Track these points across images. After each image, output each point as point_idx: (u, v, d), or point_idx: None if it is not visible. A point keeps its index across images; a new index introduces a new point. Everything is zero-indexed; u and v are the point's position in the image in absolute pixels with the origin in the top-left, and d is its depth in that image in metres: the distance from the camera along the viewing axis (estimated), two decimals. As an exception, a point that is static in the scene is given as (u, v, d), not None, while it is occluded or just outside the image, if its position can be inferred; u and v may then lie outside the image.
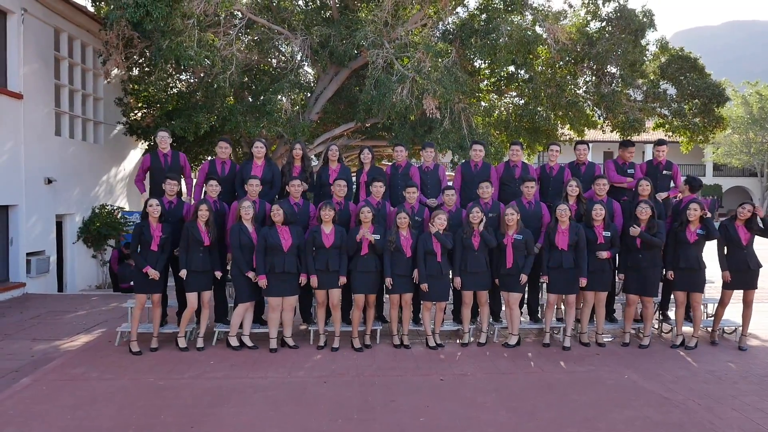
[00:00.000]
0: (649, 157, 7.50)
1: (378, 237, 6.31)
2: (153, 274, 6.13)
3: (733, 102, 32.33)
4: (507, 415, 4.62)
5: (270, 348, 6.38)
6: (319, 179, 7.26)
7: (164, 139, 7.19)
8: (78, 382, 5.37)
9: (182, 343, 6.42)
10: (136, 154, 14.43)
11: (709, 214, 6.64)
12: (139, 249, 6.34)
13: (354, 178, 7.79)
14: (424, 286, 6.35)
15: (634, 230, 6.41)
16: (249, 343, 6.48)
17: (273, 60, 13.23)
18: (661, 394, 5.08)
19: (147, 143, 13.16)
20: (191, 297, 6.31)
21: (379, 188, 6.81)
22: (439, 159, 11.51)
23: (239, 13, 11.23)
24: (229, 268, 6.74)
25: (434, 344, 6.54)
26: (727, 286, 6.73)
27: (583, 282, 6.45)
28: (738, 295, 6.79)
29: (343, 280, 6.35)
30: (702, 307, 6.98)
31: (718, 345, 6.79)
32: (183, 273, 6.23)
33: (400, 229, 6.35)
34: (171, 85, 12.75)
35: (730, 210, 7.02)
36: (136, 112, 12.80)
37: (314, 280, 6.29)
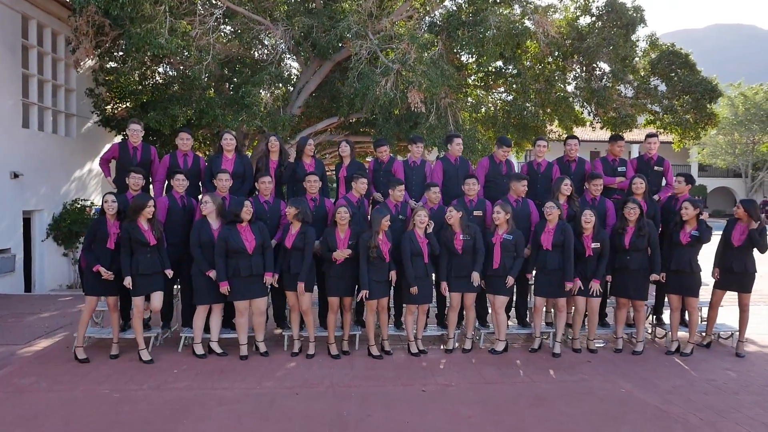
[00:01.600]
0: (636, 156, 7.20)
1: (350, 252, 5.86)
2: (106, 274, 5.63)
3: (719, 103, 32.34)
4: (492, 430, 4.22)
5: (240, 355, 5.94)
6: (293, 174, 6.82)
7: (136, 133, 6.73)
8: (24, 394, 4.89)
9: (145, 355, 5.83)
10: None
11: (705, 215, 6.29)
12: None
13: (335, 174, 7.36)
14: (414, 290, 5.94)
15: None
16: (218, 350, 6.03)
17: (254, 52, 12.77)
18: (659, 407, 4.71)
19: (122, 136, 12.64)
20: (137, 301, 5.72)
21: (360, 185, 6.40)
22: (425, 156, 11.15)
23: (218, 2, 10.76)
24: None
25: (416, 350, 6.14)
26: (719, 286, 6.40)
27: (568, 286, 6.07)
28: (733, 299, 6.47)
29: (300, 286, 5.85)
30: (698, 311, 6.65)
31: (715, 351, 6.45)
32: (128, 281, 5.63)
33: (379, 233, 5.90)
34: (147, 75, 12.23)
35: (715, 210, 6.70)
36: (108, 103, 12.24)
37: (269, 278, 5.89)
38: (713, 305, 6.48)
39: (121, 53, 10.86)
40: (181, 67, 11.28)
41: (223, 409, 4.60)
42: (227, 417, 4.44)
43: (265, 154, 6.91)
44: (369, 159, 16.48)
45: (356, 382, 5.28)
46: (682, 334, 6.55)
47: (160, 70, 12.66)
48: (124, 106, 12.33)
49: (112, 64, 11.60)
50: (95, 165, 13.42)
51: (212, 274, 5.79)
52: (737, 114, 34.49)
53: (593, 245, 6.07)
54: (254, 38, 11.95)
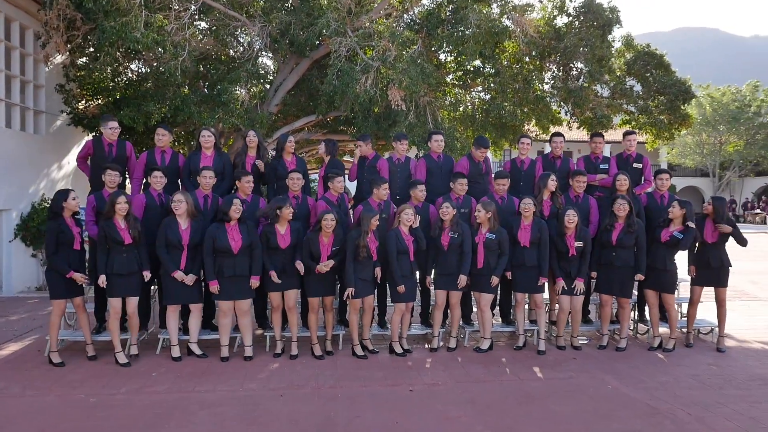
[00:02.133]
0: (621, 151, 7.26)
1: (333, 263, 5.75)
2: (78, 278, 5.45)
3: (690, 104, 33.06)
4: (484, 430, 4.16)
5: (221, 356, 5.78)
6: (274, 172, 6.67)
7: (114, 130, 6.51)
8: (-5, 400, 4.67)
9: (122, 358, 5.63)
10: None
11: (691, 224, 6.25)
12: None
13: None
14: (401, 288, 5.85)
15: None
16: (197, 351, 5.86)
17: (230, 49, 12.54)
18: (648, 403, 4.71)
19: (93, 134, 12.26)
20: (114, 303, 5.54)
21: (337, 183, 6.31)
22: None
23: (193, -3, 10.52)
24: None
25: (401, 350, 6.05)
26: (697, 283, 6.46)
27: (542, 281, 6.05)
28: (709, 295, 6.56)
29: (275, 276, 5.74)
30: (677, 307, 6.71)
31: (697, 347, 6.51)
32: (101, 280, 5.46)
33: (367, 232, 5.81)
34: (120, 72, 11.90)
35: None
36: (79, 100, 11.87)
37: (275, 276, 5.71)
38: (693, 302, 6.53)
39: (92, 49, 10.56)
40: (155, 64, 10.99)
41: (206, 412, 4.45)
42: (211, 421, 4.29)
43: (243, 150, 6.75)
44: (347, 158, 16.39)
45: (342, 382, 5.17)
46: (664, 330, 6.60)
47: (133, 66, 12.35)
48: (96, 102, 11.98)
49: (84, 60, 11.27)
50: (65, 163, 13.00)
51: (177, 275, 5.61)
52: (705, 115, 35.32)
53: (576, 244, 6.07)
54: (230, 35, 11.73)
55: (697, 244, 6.40)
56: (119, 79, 11.87)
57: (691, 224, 6.12)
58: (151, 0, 9.30)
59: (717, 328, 6.55)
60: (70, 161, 13.32)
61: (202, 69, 11.96)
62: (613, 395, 4.92)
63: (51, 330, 5.63)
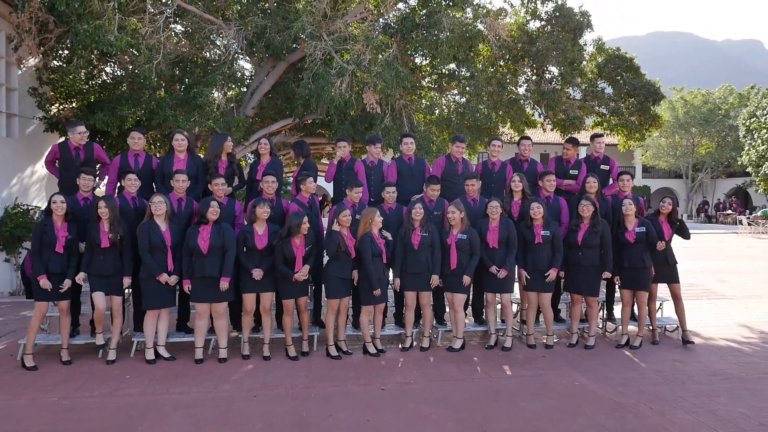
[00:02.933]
0: (584, 156, 7.51)
1: (305, 276, 5.84)
2: (44, 284, 5.47)
3: (661, 107, 33.75)
4: (454, 428, 4.25)
5: (195, 359, 5.80)
6: (249, 174, 6.73)
7: (84, 135, 6.52)
8: (-35, 405, 4.64)
9: (112, 355, 5.74)
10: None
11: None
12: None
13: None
14: (378, 292, 5.94)
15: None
16: (165, 355, 5.85)
17: (206, 52, 12.51)
18: (613, 399, 4.86)
19: (66, 138, 12.14)
20: (98, 297, 5.61)
21: (309, 184, 6.42)
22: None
23: (168, 0, 10.49)
24: None
25: (375, 350, 6.13)
26: (654, 280, 6.63)
27: (503, 273, 6.16)
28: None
29: (259, 273, 5.80)
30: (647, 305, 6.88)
31: (662, 344, 6.69)
32: (80, 277, 5.58)
33: (341, 229, 5.90)
34: (94, 75, 11.81)
35: (657, 210, 7.06)
36: (53, 103, 11.74)
37: (259, 273, 5.76)
38: (652, 298, 6.74)
39: (65, 52, 10.47)
40: (130, 67, 10.93)
41: (179, 414, 4.48)
42: (185, 422, 4.32)
43: (217, 154, 6.76)
44: (324, 161, 16.43)
45: (315, 383, 5.23)
46: (631, 327, 6.77)
47: (108, 69, 12.25)
48: (70, 106, 11.86)
49: (56, 63, 11.16)
50: (39, 167, 12.85)
51: (163, 277, 5.64)
52: (678, 117, 36.02)
53: (543, 233, 6.22)
54: (206, 38, 11.71)
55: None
56: (93, 83, 11.78)
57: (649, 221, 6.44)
58: (125, 3, 9.25)
59: (680, 323, 6.75)
60: (43, 166, 13.15)
61: (177, 72, 11.91)
62: (581, 391, 5.06)
63: (29, 332, 5.64)
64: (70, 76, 10.78)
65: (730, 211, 34.73)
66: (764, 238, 23.28)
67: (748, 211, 33.58)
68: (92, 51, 9.26)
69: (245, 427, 4.25)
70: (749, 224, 26.23)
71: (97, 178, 6.67)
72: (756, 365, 5.87)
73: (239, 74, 12.41)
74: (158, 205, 5.68)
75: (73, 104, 11.71)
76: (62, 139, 12.33)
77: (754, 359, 6.10)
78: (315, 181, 6.63)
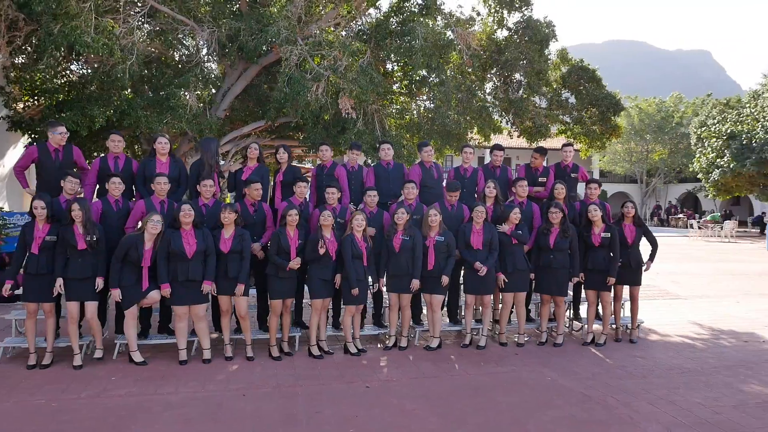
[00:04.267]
0: (551, 163, 7.92)
1: (298, 264, 6.04)
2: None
3: (619, 115, 35.01)
4: (438, 421, 4.50)
5: (179, 360, 5.89)
6: (234, 178, 6.86)
7: (64, 135, 6.50)
8: (-49, 408, 4.64)
9: (77, 360, 5.72)
10: (17, 151, 12.99)
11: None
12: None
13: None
14: (355, 291, 6.14)
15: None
16: (137, 359, 5.85)
17: (176, 53, 12.47)
18: (582, 392, 5.19)
19: (31, 137, 11.88)
20: (71, 307, 5.66)
21: (302, 188, 6.57)
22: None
23: (139, 1, 10.45)
24: None
25: (356, 350, 6.33)
26: (617, 282, 6.98)
27: (484, 270, 6.43)
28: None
29: (240, 288, 5.95)
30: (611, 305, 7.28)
31: (625, 341, 7.10)
32: (58, 283, 5.58)
33: (324, 231, 6.09)
34: (61, 74, 11.63)
35: (615, 213, 7.48)
36: (18, 101, 11.50)
37: (206, 287, 5.88)
38: (617, 299, 7.16)
39: (32, 50, 10.30)
40: (95, 65, 10.80)
41: (170, 413, 4.58)
42: (176, 421, 4.44)
43: (215, 158, 6.86)
44: (294, 163, 16.49)
45: (301, 381, 5.40)
46: (596, 326, 7.17)
47: (74, 67, 12.07)
48: (38, 105, 11.65)
49: (22, 60, 10.96)
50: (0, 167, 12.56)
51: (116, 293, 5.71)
52: (633, 125, 37.37)
53: (511, 230, 6.55)
54: (177, 39, 11.68)
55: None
56: (58, 81, 11.60)
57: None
58: (100, 4, 9.20)
59: (632, 322, 7.21)
60: (5, 164, 12.86)
61: (146, 72, 11.84)
62: (551, 386, 5.38)
63: (27, 334, 5.77)
64: (39, 75, 10.63)
65: (681, 215, 36.20)
66: (713, 241, 24.44)
67: (698, 216, 35.09)
68: (61, 50, 9.15)
69: (236, 425, 4.40)
70: (699, 228, 27.47)
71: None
72: (708, 360, 6.33)
73: (212, 76, 12.42)
74: (156, 225, 5.72)
75: (42, 103, 11.52)
76: (26, 138, 12.12)
77: (706, 354, 6.56)
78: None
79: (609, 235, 6.75)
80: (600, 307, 7.06)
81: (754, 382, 5.55)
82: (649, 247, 7.16)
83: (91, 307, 5.73)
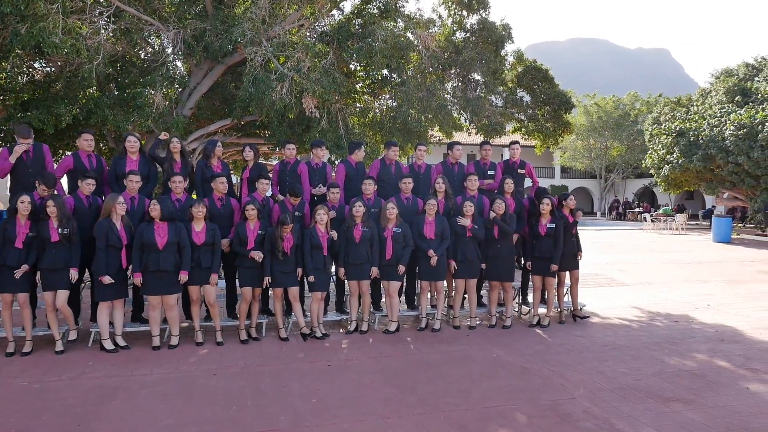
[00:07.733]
0: (507, 158, 8.51)
1: (260, 257, 6.49)
2: None
3: (577, 111, 36.15)
4: (392, 391, 5.02)
5: (153, 346, 6.28)
6: (201, 175, 7.23)
7: (30, 138, 6.74)
8: (-63, 391, 4.95)
9: (59, 346, 6.10)
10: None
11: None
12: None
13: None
14: (311, 278, 6.60)
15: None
16: (122, 343, 6.28)
17: (141, 52, 12.68)
18: (522, 365, 5.78)
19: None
20: (47, 296, 6.04)
21: (264, 185, 6.99)
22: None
23: (104, 1, 10.66)
24: None
25: (320, 335, 6.80)
26: (561, 269, 7.59)
27: (434, 261, 6.95)
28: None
29: (213, 278, 6.41)
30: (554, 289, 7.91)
31: (568, 323, 7.74)
32: (23, 268, 5.90)
33: (284, 231, 6.52)
34: (25, 72, 11.73)
35: (578, 209, 8.18)
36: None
37: (183, 276, 6.29)
38: (561, 284, 7.80)
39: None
40: (59, 63, 10.96)
41: (147, 391, 4.99)
42: (153, 397, 4.85)
43: (168, 155, 7.22)
44: (261, 160, 16.80)
45: (268, 362, 5.86)
46: (542, 310, 7.78)
47: (37, 65, 12.17)
48: (2, 104, 11.74)
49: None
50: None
51: (105, 279, 6.04)
52: (592, 122, 38.56)
53: (471, 227, 7.10)
54: (143, 39, 11.90)
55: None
56: (22, 80, 11.70)
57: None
58: (67, 5, 9.40)
59: (572, 304, 7.90)
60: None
61: (112, 71, 12.03)
62: (496, 361, 5.96)
63: (4, 324, 6.03)
64: (4, 74, 10.74)
65: (637, 209, 37.60)
66: (665, 233, 25.63)
67: (652, 209, 36.51)
68: (27, 50, 9.32)
69: (209, 399, 4.83)
70: (652, 221, 28.71)
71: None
72: (640, 338, 7.00)
73: (178, 75, 12.67)
74: (122, 206, 6.15)
75: (7, 102, 11.61)
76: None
77: (639, 333, 7.24)
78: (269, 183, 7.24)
79: (554, 225, 7.36)
80: (545, 292, 7.68)
81: (676, 356, 6.23)
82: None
83: (62, 295, 6.07)
